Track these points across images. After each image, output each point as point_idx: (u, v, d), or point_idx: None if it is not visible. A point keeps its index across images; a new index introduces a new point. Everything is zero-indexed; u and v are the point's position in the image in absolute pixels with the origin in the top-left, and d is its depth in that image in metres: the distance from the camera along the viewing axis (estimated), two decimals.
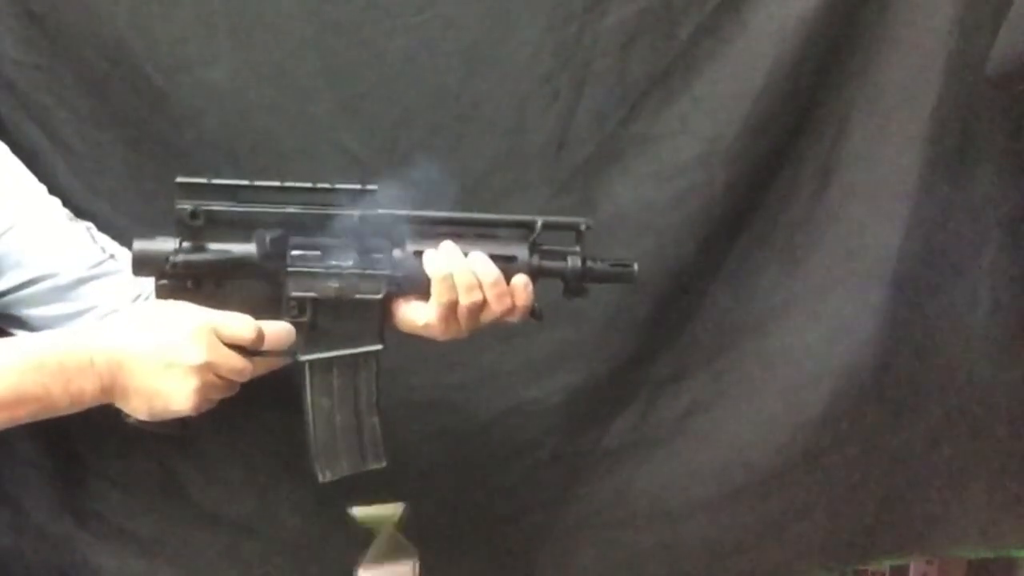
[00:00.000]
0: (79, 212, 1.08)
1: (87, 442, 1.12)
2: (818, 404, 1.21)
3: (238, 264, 0.93)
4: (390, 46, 1.13)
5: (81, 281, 1.03)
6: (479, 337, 0.98)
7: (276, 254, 0.93)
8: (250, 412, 1.03)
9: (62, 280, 1.02)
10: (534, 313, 0.97)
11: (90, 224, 1.07)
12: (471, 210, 0.98)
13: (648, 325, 1.21)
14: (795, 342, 1.22)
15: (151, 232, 0.94)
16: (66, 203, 1.07)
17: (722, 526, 1.24)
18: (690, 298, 1.22)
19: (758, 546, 1.24)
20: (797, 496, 1.23)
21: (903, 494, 1.26)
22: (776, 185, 1.21)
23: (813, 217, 1.21)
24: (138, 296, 1.04)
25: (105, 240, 1.07)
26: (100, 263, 1.04)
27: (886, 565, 1.51)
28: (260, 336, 0.91)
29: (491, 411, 1.20)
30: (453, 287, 0.93)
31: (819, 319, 1.21)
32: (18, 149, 1.06)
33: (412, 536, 1.21)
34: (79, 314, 1.02)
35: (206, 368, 0.88)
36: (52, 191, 1.07)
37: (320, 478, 0.98)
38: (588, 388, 1.21)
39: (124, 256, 1.05)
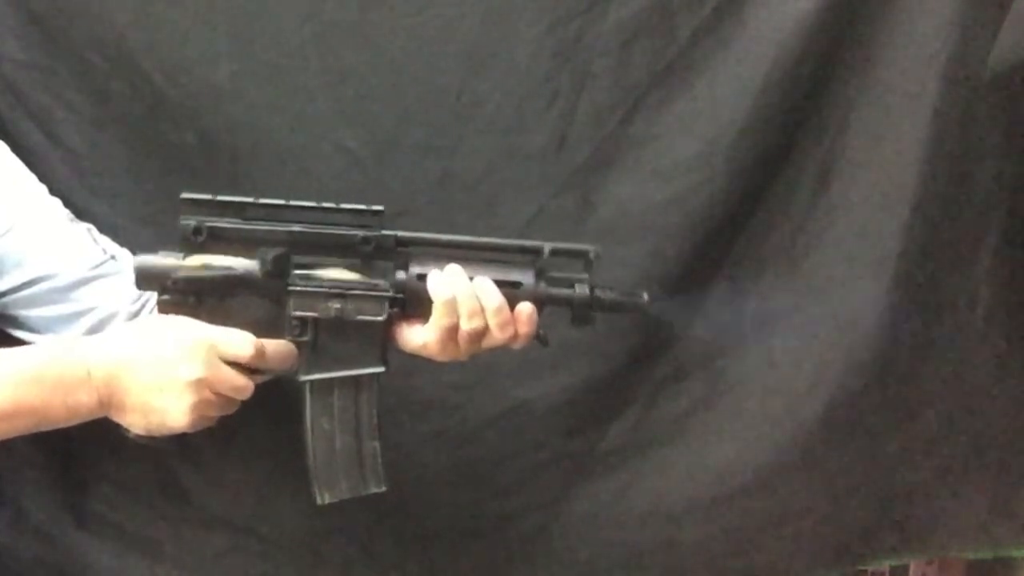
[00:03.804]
0: (79, 212, 1.08)
1: (87, 443, 1.11)
2: (818, 404, 1.21)
3: (240, 282, 0.93)
4: (390, 46, 1.13)
5: (81, 282, 1.03)
6: None
7: (278, 272, 0.92)
8: (250, 413, 1.03)
9: (62, 281, 1.02)
10: (539, 338, 0.96)
11: (91, 225, 1.07)
12: (471, 210, 0.98)
13: (648, 325, 1.21)
14: (795, 342, 1.21)
15: (154, 245, 0.95)
16: (66, 203, 1.07)
17: (722, 526, 1.23)
18: (690, 298, 1.22)
19: (758, 546, 1.24)
20: (797, 496, 1.23)
21: (903, 494, 1.26)
22: (776, 185, 1.20)
23: (813, 217, 1.21)
24: (138, 298, 1.04)
25: (106, 241, 1.07)
26: (101, 264, 1.04)
27: (886, 565, 1.51)
28: (259, 353, 0.91)
29: (491, 411, 1.20)
30: (455, 311, 0.92)
31: (819, 319, 1.21)
32: (18, 149, 1.06)
33: (411, 536, 1.21)
34: (78, 315, 1.02)
35: (202, 384, 0.88)
36: (52, 191, 1.07)
37: (319, 500, 0.98)
38: (588, 388, 1.21)
39: (125, 257, 1.06)
